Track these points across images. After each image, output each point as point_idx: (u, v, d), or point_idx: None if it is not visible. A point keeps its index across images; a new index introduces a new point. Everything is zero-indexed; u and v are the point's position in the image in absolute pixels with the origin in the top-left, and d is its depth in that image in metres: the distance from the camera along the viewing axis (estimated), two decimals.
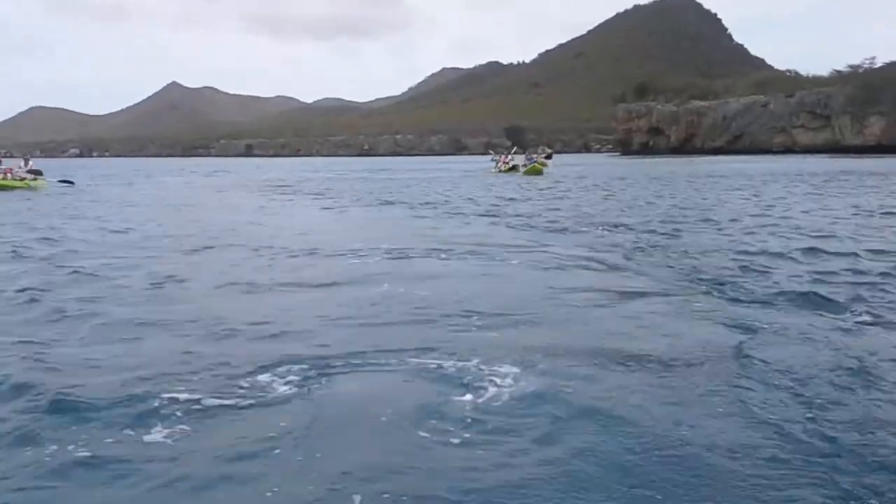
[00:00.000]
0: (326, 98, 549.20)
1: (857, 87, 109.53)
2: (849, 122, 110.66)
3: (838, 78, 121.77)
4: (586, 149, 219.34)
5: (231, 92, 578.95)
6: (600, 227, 13.98)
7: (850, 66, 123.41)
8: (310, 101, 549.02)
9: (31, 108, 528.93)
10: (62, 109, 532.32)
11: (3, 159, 34.88)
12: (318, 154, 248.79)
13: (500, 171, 46.55)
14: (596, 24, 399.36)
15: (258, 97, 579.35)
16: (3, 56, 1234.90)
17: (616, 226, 14.27)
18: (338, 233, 14.27)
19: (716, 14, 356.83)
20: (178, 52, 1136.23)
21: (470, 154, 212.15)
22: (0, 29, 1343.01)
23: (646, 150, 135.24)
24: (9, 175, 32.07)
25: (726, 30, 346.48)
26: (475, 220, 16.04)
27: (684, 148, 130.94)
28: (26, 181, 32.53)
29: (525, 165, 45.61)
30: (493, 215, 17.06)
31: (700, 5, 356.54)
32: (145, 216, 18.24)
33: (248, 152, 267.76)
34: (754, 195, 23.66)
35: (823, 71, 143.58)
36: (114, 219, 17.33)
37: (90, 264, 9.71)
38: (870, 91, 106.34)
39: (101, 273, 9.03)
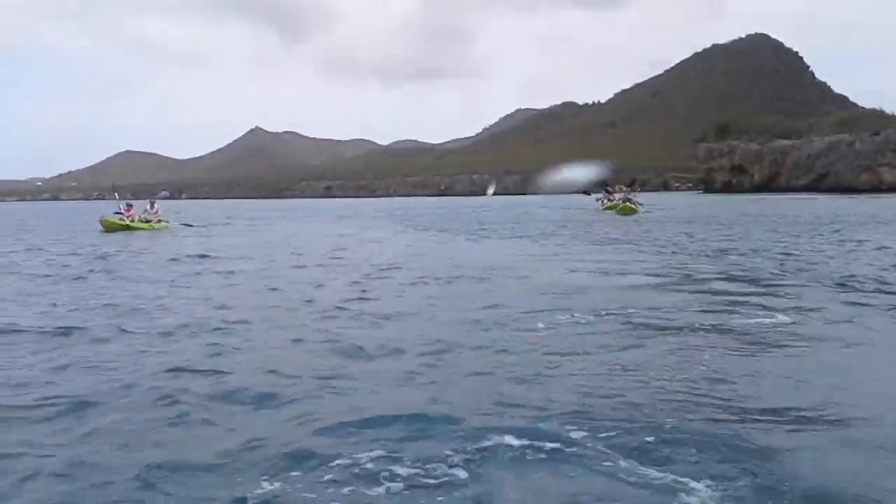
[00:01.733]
0: (401, 140, 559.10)
1: None
2: None
3: None
4: (665, 187, 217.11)
5: (310, 136, 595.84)
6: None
7: None
8: (385, 143, 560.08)
9: (122, 153, 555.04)
10: (151, 154, 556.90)
11: (131, 203, 35.12)
12: (396, 194, 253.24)
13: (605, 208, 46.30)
14: (672, 63, 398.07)
15: (336, 140, 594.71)
16: (93, 101, 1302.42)
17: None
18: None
19: (797, 52, 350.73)
20: (259, 98, 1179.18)
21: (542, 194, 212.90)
22: (90, 74, 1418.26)
23: (728, 189, 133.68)
24: (130, 218, 32.83)
25: (808, 67, 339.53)
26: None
27: (768, 186, 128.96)
28: (151, 223, 33.37)
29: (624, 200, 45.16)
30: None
31: (781, 44, 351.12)
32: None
33: (328, 193, 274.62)
34: None
35: None
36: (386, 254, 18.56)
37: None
38: None
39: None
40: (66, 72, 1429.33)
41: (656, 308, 8.78)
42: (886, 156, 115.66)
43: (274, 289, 11.50)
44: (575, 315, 8.31)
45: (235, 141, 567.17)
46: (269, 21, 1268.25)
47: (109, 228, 32.07)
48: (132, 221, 32.75)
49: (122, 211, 33.29)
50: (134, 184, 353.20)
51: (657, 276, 12.35)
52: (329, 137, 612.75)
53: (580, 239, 22.54)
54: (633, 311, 8.53)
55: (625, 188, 52.49)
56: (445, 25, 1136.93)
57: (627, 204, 43.98)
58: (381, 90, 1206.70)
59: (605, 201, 47.61)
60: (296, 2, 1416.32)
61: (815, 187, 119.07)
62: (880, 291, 10.13)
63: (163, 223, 34.52)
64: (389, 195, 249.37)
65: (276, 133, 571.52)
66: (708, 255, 16.15)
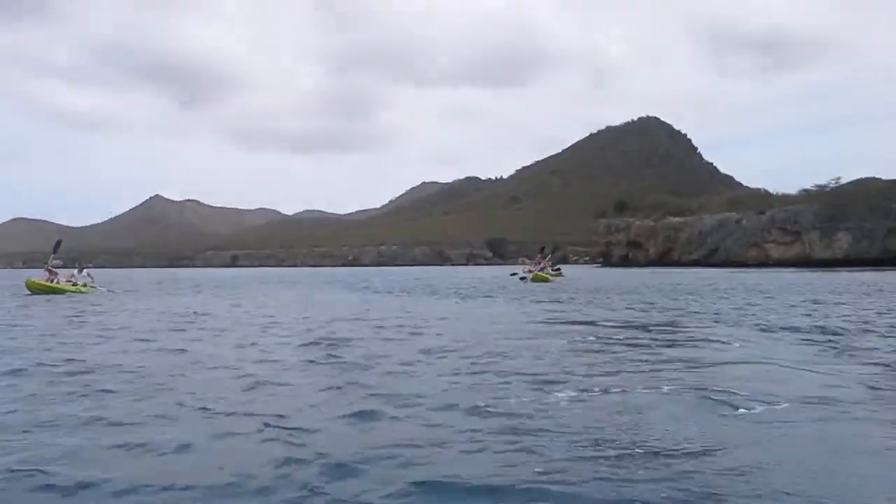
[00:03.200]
0: (307, 210, 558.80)
1: (825, 205, 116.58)
2: (818, 237, 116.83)
3: (806, 196, 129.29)
4: (565, 261, 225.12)
5: (213, 204, 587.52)
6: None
7: (817, 186, 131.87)
8: (290, 212, 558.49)
9: (12, 220, 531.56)
10: (43, 221, 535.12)
11: (57, 270, 35.81)
12: (303, 264, 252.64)
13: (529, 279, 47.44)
14: (569, 142, 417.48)
15: (240, 209, 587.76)
16: None
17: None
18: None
19: (685, 134, 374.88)
20: (160, 165, 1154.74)
21: (452, 265, 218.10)
22: None
23: (626, 262, 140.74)
24: (56, 280, 34.17)
25: (696, 149, 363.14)
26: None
27: (662, 260, 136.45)
28: (78, 286, 34.64)
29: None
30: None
31: (671, 126, 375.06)
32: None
33: (234, 263, 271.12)
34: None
35: (791, 188, 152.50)
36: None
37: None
38: (836, 208, 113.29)
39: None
40: None
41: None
42: (772, 233, 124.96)
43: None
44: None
45: (134, 208, 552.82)
46: (171, 88, 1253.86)
47: (34, 290, 33.44)
48: (57, 283, 33.96)
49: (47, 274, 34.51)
50: (25, 251, 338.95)
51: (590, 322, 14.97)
52: (233, 206, 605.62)
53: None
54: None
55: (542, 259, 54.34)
56: (352, 97, 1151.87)
57: (539, 273, 47.67)
58: (286, 160, 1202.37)
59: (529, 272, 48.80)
60: (198, 69, 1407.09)
61: (706, 262, 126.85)
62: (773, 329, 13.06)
63: (89, 287, 35.59)
64: (296, 265, 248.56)
65: (177, 201, 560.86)
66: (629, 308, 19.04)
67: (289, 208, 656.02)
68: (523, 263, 52.88)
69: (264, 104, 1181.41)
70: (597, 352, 11.51)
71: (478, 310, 22.54)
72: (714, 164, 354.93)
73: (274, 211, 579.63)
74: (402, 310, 22.31)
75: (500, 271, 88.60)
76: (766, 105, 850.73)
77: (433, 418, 6.68)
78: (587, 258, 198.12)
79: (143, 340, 13.53)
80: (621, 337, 13.55)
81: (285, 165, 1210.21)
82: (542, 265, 50.04)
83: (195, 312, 21.52)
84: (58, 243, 38.06)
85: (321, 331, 15.05)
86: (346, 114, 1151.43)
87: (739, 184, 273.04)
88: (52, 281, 34.11)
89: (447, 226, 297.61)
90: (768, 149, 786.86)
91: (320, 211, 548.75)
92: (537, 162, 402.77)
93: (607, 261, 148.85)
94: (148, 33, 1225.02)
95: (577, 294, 31.50)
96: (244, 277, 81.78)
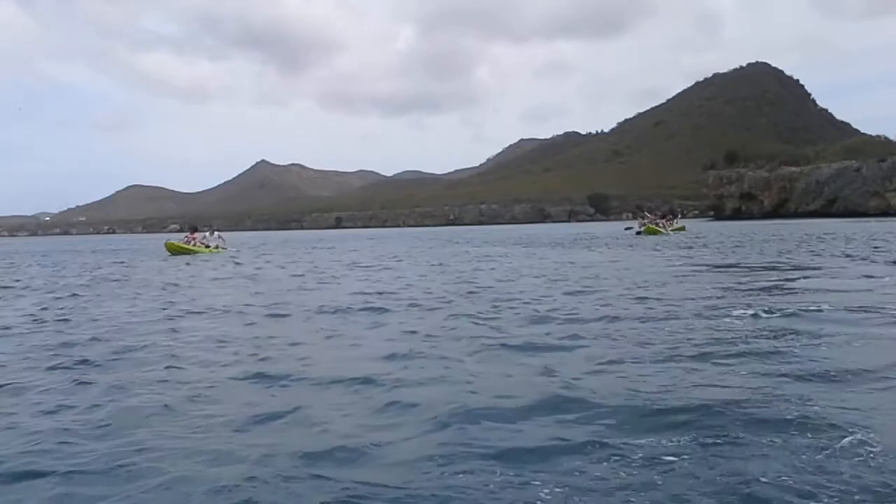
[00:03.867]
0: (406, 171, 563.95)
1: None
2: None
3: None
4: (672, 215, 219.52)
5: (316, 168, 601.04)
6: None
7: None
8: (390, 174, 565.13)
9: (130, 187, 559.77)
10: (158, 188, 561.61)
11: (198, 233, 39.45)
12: (405, 224, 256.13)
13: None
14: (672, 92, 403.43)
15: (341, 172, 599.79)
16: (100, 135, 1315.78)
17: None
18: None
19: (797, 80, 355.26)
20: (264, 131, 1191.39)
21: (553, 222, 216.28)
22: (96, 109, 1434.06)
23: (738, 215, 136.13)
24: (193, 242, 37.47)
25: (810, 95, 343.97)
26: None
27: (777, 212, 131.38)
28: (212, 248, 37.77)
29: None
30: None
31: (781, 72, 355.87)
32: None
33: (338, 224, 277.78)
34: None
35: None
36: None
37: None
38: None
39: None
40: (71, 106, 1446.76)
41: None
42: (894, 181, 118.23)
43: None
44: None
45: (242, 174, 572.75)
46: (268, 55, 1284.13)
47: (173, 251, 36.35)
48: (194, 245, 37.01)
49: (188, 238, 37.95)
50: (143, 218, 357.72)
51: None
52: (334, 169, 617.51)
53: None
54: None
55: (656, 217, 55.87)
56: (444, 56, 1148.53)
57: (651, 226, 49.97)
58: (383, 121, 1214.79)
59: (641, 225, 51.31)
60: (296, 36, 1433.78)
61: (824, 213, 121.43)
62: None
63: (220, 249, 38.40)
64: (398, 226, 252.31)
65: (282, 166, 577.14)
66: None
67: (388, 169, 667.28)
68: (641, 219, 54.41)
69: (358, 66, 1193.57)
70: None
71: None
72: (829, 111, 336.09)
73: (373, 173, 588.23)
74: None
75: (611, 227, 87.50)
76: (881, 48, 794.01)
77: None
78: (696, 212, 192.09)
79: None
80: None
81: (382, 127, 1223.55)
82: (655, 220, 52.49)
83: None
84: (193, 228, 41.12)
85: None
86: (438, 73, 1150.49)
87: (857, 130, 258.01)
88: (189, 243, 36.99)
89: (547, 182, 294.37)
90: (885, 94, 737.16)
91: (418, 171, 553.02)
92: (639, 114, 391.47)
93: (718, 214, 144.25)
94: (242, 1, 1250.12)
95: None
96: (365, 235, 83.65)
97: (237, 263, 28.34)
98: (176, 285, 18.04)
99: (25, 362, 7.75)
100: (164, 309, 12.63)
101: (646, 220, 52.24)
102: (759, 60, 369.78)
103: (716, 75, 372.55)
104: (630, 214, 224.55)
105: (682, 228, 57.69)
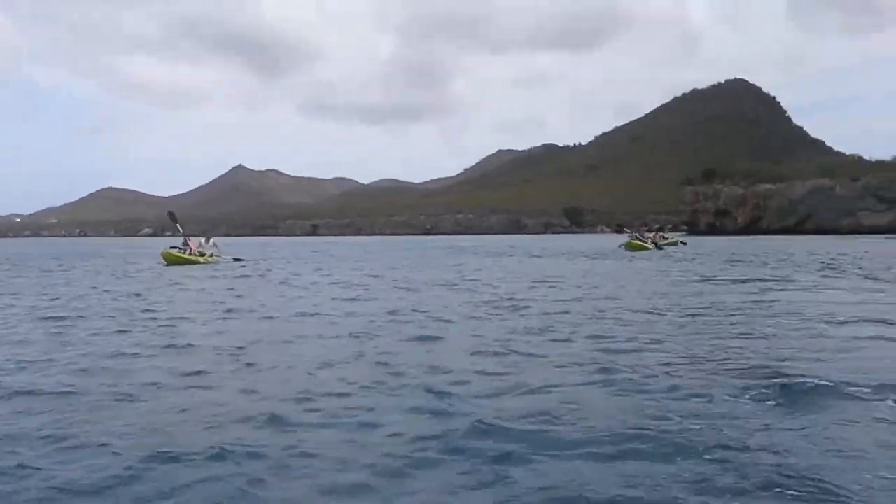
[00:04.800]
0: (383, 179, 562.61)
1: None
2: None
3: None
4: (647, 229, 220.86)
5: (293, 174, 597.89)
6: None
7: None
8: (367, 181, 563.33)
9: (103, 189, 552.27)
10: (132, 191, 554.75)
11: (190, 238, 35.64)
12: (381, 233, 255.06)
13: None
14: (650, 107, 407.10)
15: (318, 178, 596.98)
16: (73, 138, 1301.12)
17: None
18: None
19: (774, 97, 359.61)
20: (241, 137, 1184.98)
21: (529, 233, 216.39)
22: (71, 111, 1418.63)
23: (712, 231, 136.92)
24: (189, 251, 34.23)
25: (785, 112, 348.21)
26: None
27: (750, 229, 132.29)
28: (206, 257, 34.76)
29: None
30: None
31: (759, 88, 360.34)
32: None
33: (314, 232, 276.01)
34: None
35: (885, 153, 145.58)
36: None
37: None
38: None
39: None
40: (44, 108, 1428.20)
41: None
42: (866, 201, 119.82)
43: None
44: None
45: (218, 178, 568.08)
46: (248, 60, 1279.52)
47: (170, 261, 33.44)
48: (190, 254, 34.08)
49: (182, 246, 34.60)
50: (116, 220, 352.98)
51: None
52: (311, 176, 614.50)
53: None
54: None
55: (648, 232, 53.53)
56: (424, 66, 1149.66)
57: (633, 241, 46.75)
58: (361, 129, 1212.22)
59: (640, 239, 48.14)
60: (276, 41, 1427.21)
61: (797, 230, 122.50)
62: None
63: (215, 257, 35.83)
64: (374, 234, 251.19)
65: (259, 171, 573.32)
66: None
67: (365, 177, 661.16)
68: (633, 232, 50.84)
69: (337, 74, 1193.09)
70: None
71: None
72: (804, 128, 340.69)
73: (351, 180, 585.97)
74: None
75: (585, 239, 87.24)
76: (857, 66, 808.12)
77: None
78: (670, 226, 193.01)
79: None
80: None
81: (360, 135, 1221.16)
82: (642, 234, 49.73)
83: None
84: (171, 214, 38.60)
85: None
86: (418, 83, 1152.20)
87: (830, 148, 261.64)
88: (184, 252, 34.12)
89: (524, 194, 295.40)
90: (860, 111, 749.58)
91: (396, 180, 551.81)
92: (617, 128, 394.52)
93: (693, 229, 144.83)
94: (223, 4, 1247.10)
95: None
96: (353, 246, 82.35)
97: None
98: None
99: None
100: None
101: (634, 234, 49.05)
102: (737, 77, 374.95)
103: (694, 91, 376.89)
104: (605, 227, 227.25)
105: (675, 243, 55.36)
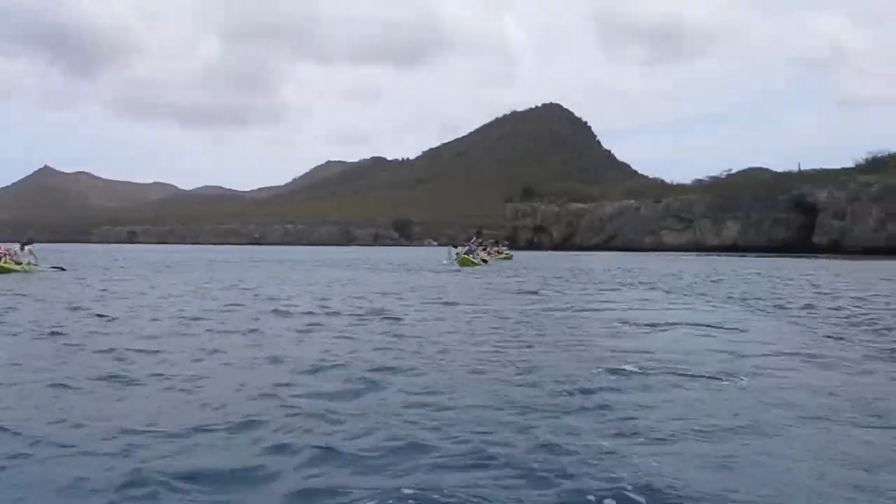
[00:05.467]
0: (207, 185, 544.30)
1: (716, 195, 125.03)
2: (709, 225, 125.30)
3: (699, 187, 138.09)
4: (459, 242, 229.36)
5: (106, 177, 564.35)
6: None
7: (710, 177, 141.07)
8: (189, 188, 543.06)
9: None
10: None
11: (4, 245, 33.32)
12: (205, 242, 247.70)
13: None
14: (476, 125, 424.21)
15: (135, 183, 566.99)
16: None
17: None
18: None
19: (586, 122, 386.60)
20: (49, 136, 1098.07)
21: (358, 244, 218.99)
22: None
23: (531, 246, 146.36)
24: (5, 259, 31.61)
25: (595, 136, 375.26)
26: None
27: (564, 245, 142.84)
28: (23, 265, 32.43)
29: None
30: None
31: (571, 113, 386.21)
32: None
33: (131, 239, 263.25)
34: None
35: (683, 176, 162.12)
36: None
37: None
38: (726, 199, 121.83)
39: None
40: None
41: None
42: (667, 221, 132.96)
43: None
44: None
45: (22, 180, 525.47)
46: (58, 56, 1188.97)
47: None
48: (5, 263, 31.59)
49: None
50: None
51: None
52: (127, 179, 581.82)
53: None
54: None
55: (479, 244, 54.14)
56: (249, 71, 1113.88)
57: (465, 257, 45.55)
58: (181, 133, 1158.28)
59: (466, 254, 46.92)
60: (87, 37, 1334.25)
61: (605, 247, 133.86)
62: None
63: (32, 265, 33.33)
64: (198, 242, 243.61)
65: (69, 174, 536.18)
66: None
67: (187, 184, 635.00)
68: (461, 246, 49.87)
69: (155, 74, 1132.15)
70: None
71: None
72: (612, 152, 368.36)
73: (171, 186, 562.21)
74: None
75: (419, 252, 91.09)
76: (659, 95, 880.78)
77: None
78: (492, 241, 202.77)
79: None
80: None
81: (181, 138, 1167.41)
82: (471, 248, 48.47)
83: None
84: None
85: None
86: (243, 88, 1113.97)
87: (635, 171, 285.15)
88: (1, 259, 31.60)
89: (354, 205, 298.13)
90: (661, 138, 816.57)
91: (220, 187, 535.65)
92: (444, 144, 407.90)
93: (513, 244, 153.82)
94: None
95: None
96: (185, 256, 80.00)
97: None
98: None
99: None
100: None
101: (462, 250, 47.49)
102: (553, 101, 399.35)
103: (514, 112, 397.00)
104: (433, 241, 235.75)
105: (510, 257, 60.95)
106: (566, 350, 10.31)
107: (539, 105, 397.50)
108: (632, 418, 6.26)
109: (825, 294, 22.66)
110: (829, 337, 12.15)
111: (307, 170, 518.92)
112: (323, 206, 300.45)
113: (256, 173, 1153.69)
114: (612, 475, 4.78)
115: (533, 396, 7.11)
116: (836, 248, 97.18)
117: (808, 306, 18.00)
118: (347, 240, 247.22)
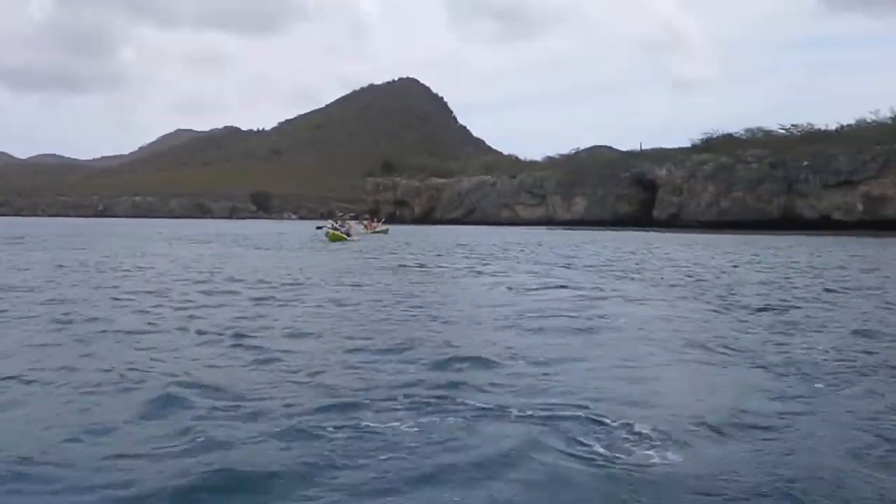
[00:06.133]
0: (44, 154, 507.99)
1: (566, 172, 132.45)
2: (559, 200, 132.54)
3: (550, 164, 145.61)
4: (331, 216, 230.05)
5: None
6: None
7: (561, 155, 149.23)
8: (24, 156, 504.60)
9: None
10: None
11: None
12: (45, 214, 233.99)
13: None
14: (332, 97, 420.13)
15: None
16: None
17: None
18: None
19: (442, 97, 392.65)
20: None
21: (213, 218, 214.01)
22: None
23: (393, 220, 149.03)
24: None
25: (451, 112, 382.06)
26: None
27: (425, 219, 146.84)
28: None
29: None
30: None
31: (428, 88, 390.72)
32: None
33: None
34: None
35: (537, 154, 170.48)
36: None
37: None
38: (575, 176, 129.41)
39: None
40: None
41: None
42: (521, 196, 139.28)
43: None
44: None
45: None
46: None
47: None
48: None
49: None
50: None
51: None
52: None
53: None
54: None
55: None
56: (85, 31, 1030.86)
57: (334, 232, 45.57)
58: (9, 96, 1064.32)
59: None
60: None
61: (464, 221, 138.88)
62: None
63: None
64: (37, 215, 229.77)
65: None
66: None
67: (21, 151, 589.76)
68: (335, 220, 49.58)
69: None
70: None
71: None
72: (467, 128, 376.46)
73: (4, 154, 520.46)
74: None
75: (276, 226, 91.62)
76: (511, 71, 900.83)
77: None
78: (352, 214, 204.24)
79: None
80: None
81: (8, 103, 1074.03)
82: (341, 224, 48.44)
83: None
84: None
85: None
86: (78, 49, 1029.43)
87: (489, 147, 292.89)
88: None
89: (207, 177, 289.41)
90: (511, 114, 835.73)
91: (59, 155, 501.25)
92: (300, 116, 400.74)
93: (375, 218, 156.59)
94: None
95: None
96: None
97: None
98: None
99: None
100: None
101: (336, 224, 47.26)
102: (409, 76, 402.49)
103: (371, 86, 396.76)
104: (292, 214, 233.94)
105: (386, 231, 63.85)
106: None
107: (396, 79, 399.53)
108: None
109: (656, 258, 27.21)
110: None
111: (154, 139, 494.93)
112: (173, 177, 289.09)
113: (98, 141, 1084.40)
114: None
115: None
116: (674, 223, 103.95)
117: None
118: (202, 212, 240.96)
